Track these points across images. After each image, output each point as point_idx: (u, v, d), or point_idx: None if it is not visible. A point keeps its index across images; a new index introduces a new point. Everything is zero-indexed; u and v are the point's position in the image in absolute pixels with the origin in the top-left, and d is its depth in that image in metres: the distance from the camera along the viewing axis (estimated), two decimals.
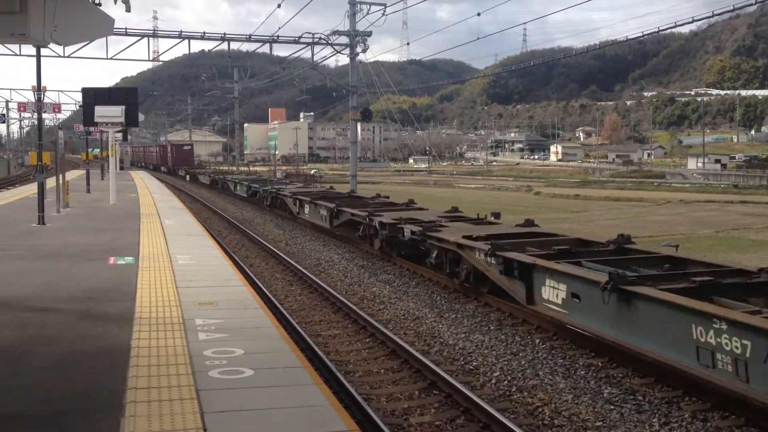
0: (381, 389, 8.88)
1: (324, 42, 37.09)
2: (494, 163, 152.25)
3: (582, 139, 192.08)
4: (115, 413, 5.57)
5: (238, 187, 40.27)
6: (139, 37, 36.70)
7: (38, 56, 19.89)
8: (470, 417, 7.79)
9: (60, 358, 7.11)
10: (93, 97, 25.76)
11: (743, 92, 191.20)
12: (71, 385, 6.31)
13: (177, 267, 12.74)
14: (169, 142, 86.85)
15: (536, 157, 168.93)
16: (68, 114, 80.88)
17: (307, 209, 25.08)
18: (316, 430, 5.39)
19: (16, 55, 35.57)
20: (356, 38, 36.17)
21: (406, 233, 15.85)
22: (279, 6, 34.61)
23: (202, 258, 14.08)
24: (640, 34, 35.63)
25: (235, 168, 76.28)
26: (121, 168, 60.78)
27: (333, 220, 21.70)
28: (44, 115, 23.49)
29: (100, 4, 9.56)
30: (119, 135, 32.91)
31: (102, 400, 5.90)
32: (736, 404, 7.68)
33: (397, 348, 10.28)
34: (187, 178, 64.51)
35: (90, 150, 43.79)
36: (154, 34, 39.59)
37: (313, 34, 37.09)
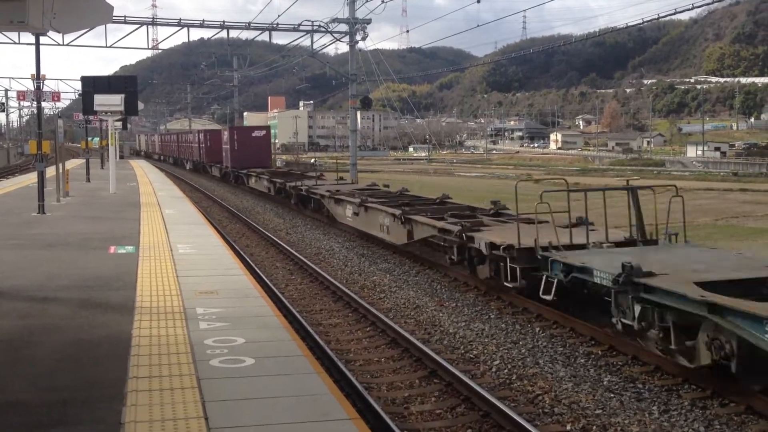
0: (382, 378, 8.90)
1: (323, 30, 36.96)
2: (494, 152, 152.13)
3: (582, 127, 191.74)
4: (117, 402, 5.60)
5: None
6: (138, 25, 36.53)
7: (37, 44, 19.84)
8: (471, 405, 7.82)
9: (62, 348, 7.13)
10: (92, 85, 25.70)
11: (743, 80, 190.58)
12: (73, 374, 6.33)
13: (177, 256, 12.75)
14: (229, 127, 53.11)
15: (536, 145, 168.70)
16: (67, 103, 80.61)
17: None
18: (317, 418, 5.41)
19: (15, 43, 35.45)
20: (356, 26, 36.02)
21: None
22: None
23: (203, 247, 14.09)
24: (640, 21, 35.59)
25: None
26: (121, 157, 60.67)
27: (272, 189, 30.96)
28: (43, 104, 23.41)
29: None
30: (119, 123, 32.84)
31: (104, 389, 5.92)
32: (735, 392, 7.72)
33: (397, 337, 10.30)
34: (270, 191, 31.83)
35: (90, 138, 43.72)
36: (153, 22, 39.42)
37: (312, 21, 36.99)
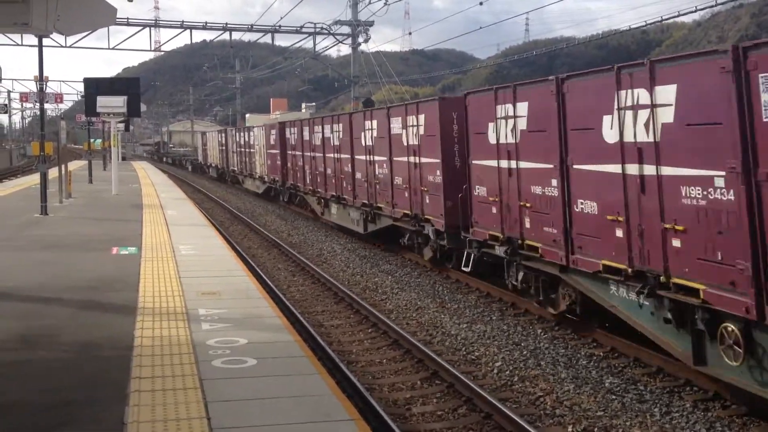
0: (383, 379, 8.91)
1: (326, 32, 37.03)
2: None
3: None
4: (120, 402, 5.61)
5: None
6: (140, 27, 36.68)
7: (40, 46, 19.90)
8: (472, 407, 7.82)
9: (64, 348, 7.15)
10: (95, 87, 25.75)
11: None
12: (75, 374, 6.34)
13: (180, 257, 12.76)
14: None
15: None
16: (70, 104, 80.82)
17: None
18: (319, 419, 5.42)
19: (18, 45, 35.58)
20: (358, 28, 36.08)
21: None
22: None
23: (205, 248, 14.10)
24: (643, 24, 35.58)
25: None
26: (123, 159, 60.71)
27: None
28: (46, 106, 23.50)
29: None
30: (121, 125, 32.89)
31: (106, 390, 5.93)
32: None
33: (399, 338, 10.30)
34: None
35: (92, 140, 43.79)
36: (156, 24, 39.55)
37: (314, 24, 37.08)
